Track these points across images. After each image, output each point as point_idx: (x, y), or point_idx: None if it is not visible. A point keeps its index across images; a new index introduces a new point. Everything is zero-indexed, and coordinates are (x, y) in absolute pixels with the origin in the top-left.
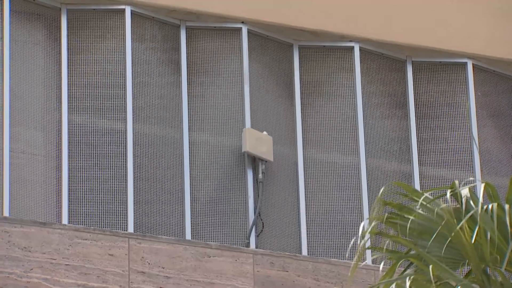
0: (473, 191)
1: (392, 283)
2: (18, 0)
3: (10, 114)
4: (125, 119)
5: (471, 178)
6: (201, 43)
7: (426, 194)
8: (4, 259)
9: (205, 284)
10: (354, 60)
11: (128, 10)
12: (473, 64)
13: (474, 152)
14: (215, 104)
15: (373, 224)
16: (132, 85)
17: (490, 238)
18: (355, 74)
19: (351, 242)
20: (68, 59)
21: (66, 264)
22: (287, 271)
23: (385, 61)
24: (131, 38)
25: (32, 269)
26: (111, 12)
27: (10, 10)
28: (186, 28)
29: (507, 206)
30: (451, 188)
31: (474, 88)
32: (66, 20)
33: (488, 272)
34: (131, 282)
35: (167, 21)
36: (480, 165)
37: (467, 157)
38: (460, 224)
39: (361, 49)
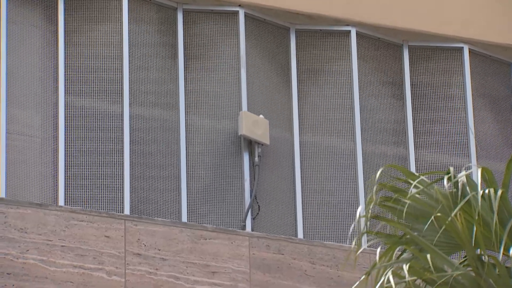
0: (469, 176)
1: (388, 268)
2: None
3: (7, 95)
4: (121, 102)
5: (470, 164)
6: (198, 26)
7: (423, 177)
8: (0, 240)
9: (201, 266)
10: (351, 44)
11: None
12: (469, 49)
13: (470, 137)
14: (211, 87)
15: (370, 207)
16: (129, 68)
17: (487, 223)
18: (351, 58)
19: (351, 229)
20: (65, 41)
21: (62, 246)
22: (283, 254)
23: (382, 45)
24: (128, 20)
25: (28, 250)
26: None
27: None
28: (183, 11)
29: (500, 192)
30: (447, 173)
31: (470, 72)
32: (63, 1)
33: (483, 258)
34: (127, 263)
35: (164, 3)
36: (476, 150)
37: (463, 141)
38: (456, 211)
39: (357, 33)
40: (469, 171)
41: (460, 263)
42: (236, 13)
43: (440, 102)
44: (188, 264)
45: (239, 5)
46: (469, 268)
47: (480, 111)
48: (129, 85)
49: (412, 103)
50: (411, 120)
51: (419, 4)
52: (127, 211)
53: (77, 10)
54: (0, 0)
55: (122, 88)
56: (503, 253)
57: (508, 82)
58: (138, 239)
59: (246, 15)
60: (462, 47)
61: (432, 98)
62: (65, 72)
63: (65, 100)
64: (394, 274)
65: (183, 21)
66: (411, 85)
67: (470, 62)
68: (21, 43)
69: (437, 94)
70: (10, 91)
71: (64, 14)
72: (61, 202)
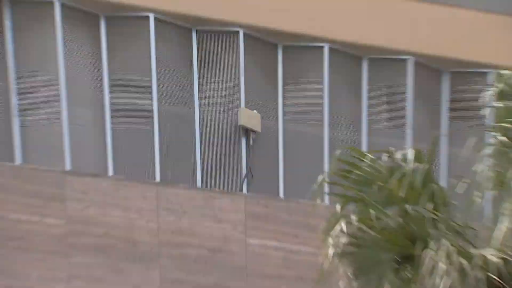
0: (405, 154)
1: (342, 218)
2: (66, 8)
3: (67, 96)
4: (151, 100)
5: (405, 146)
6: (208, 43)
7: (370, 155)
8: (69, 199)
9: (211, 216)
10: (324, 57)
11: (151, 16)
12: (414, 60)
13: (407, 126)
14: (218, 90)
15: (329, 172)
16: (157, 75)
17: (415, 187)
18: (324, 67)
19: (312, 188)
20: (108, 54)
21: (113, 203)
22: (268, 208)
23: (348, 58)
24: (155, 38)
25: (88, 206)
26: (139, 18)
27: (62, 16)
28: (196, 31)
29: (425, 166)
30: (387, 152)
31: (413, 79)
32: (104, 24)
33: (410, 211)
34: (159, 215)
35: (181, 25)
36: (412, 136)
37: (403, 130)
38: (393, 178)
39: (330, 49)
40: (405, 151)
41: (394, 215)
42: (237, 33)
43: (388, 101)
44: (202, 214)
45: (240, 26)
46: (400, 218)
47: (417, 107)
48: (157, 88)
49: (368, 102)
50: (366, 114)
51: (376, 23)
52: (158, 179)
53: (115, 29)
54: (55, 23)
55: (151, 90)
56: (423, 207)
57: (437, 86)
58: (167, 198)
59: (245, 34)
60: (407, 59)
61: (382, 98)
62: (108, 78)
63: (110, 99)
64: (347, 222)
65: (197, 39)
66: (368, 87)
67: (414, 71)
68: (75, 56)
69: (386, 95)
70: (68, 93)
71: (106, 33)
72: (110, 173)
